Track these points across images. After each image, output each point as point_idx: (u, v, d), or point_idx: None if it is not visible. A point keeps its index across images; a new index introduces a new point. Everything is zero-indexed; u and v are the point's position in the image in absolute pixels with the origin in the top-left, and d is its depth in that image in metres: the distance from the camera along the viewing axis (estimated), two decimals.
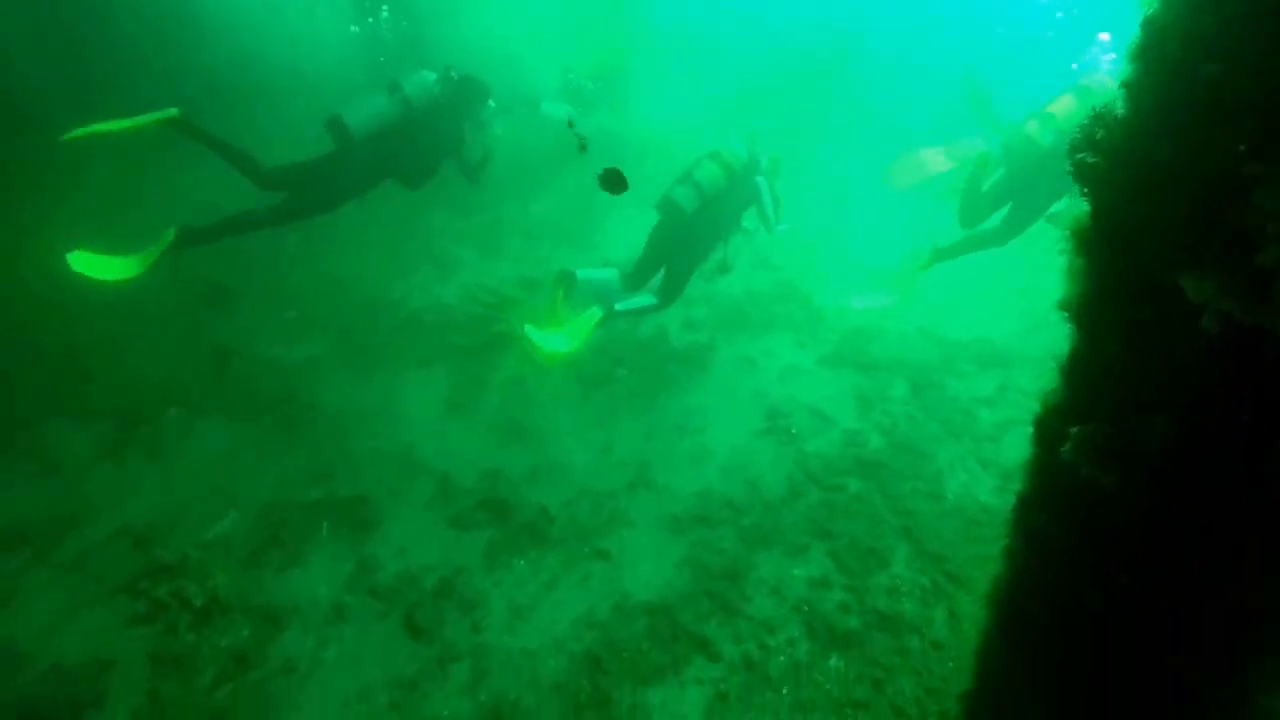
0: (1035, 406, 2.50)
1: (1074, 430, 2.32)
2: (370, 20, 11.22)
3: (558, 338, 7.23)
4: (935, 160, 9.12)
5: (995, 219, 8.38)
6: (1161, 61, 1.75)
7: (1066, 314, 2.25)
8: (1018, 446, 7.33)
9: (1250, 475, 1.98)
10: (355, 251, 9.76)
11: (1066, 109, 7.74)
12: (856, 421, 8.09)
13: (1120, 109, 1.88)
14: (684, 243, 7.87)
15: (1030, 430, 2.54)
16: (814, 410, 8.21)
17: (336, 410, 7.61)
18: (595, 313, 7.51)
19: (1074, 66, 8.87)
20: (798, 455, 7.55)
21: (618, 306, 7.80)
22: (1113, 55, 8.60)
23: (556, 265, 8.68)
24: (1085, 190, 1.99)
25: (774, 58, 16.21)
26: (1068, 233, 2.10)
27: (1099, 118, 1.92)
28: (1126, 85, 1.85)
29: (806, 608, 5.92)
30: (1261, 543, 2.03)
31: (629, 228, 10.31)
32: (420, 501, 6.71)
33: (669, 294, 8.01)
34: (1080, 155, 1.94)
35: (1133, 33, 1.77)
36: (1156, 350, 2.01)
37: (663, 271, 8.03)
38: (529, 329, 7.17)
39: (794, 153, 9.93)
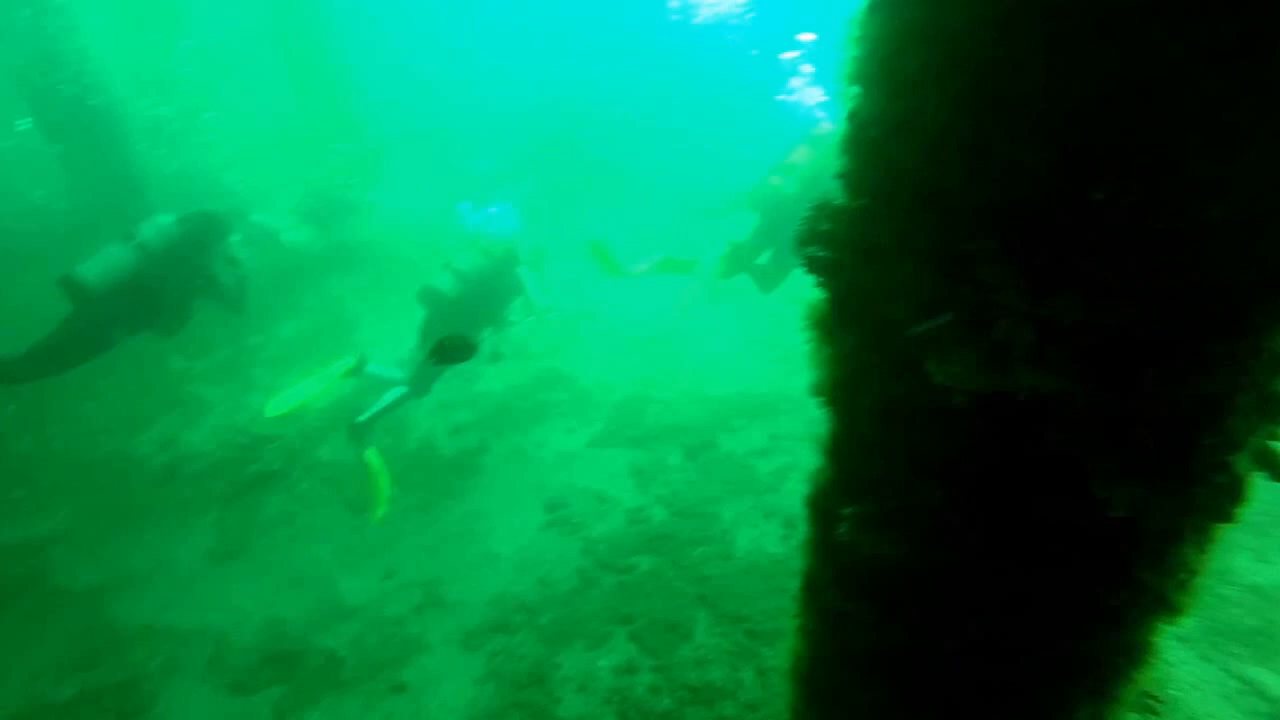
0: (807, 450, 2.48)
1: (846, 511, 2.31)
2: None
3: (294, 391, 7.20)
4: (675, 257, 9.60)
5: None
6: (868, 151, 1.75)
7: (820, 398, 2.23)
8: (796, 492, 7.60)
9: (1022, 526, 2.01)
10: (88, 409, 8.77)
11: (804, 158, 8.39)
12: (637, 498, 8.05)
13: (839, 199, 1.87)
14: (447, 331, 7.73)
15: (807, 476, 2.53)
16: (594, 494, 8.08)
17: (90, 587, 6.77)
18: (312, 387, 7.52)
19: (780, 98, 9.70)
20: (584, 543, 7.37)
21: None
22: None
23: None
24: (819, 281, 1.96)
25: (531, 128, 16.54)
26: (809, 322, 2.06)
27: (821, 210, 1.91)
28: (843, 176, 1.84)
29: (618, 697, 5.75)
30: (1047, 591, 2.08)
31: (388, 333, 9.92)
32: (195, 671, 5.99)
33: (422, 383, 7.87)
34: (809, 249, 1.91)
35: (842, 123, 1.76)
36: (914, 425, 2.01)
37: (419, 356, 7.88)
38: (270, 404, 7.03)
39: (553, 226, 10.06)
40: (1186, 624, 6.68)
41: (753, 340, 10.89)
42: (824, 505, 2.50)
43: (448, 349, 5.79)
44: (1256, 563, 7.26)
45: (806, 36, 10.06)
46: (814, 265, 1.92)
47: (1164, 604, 2.02)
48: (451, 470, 8.66)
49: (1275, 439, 1.69)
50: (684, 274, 9.69)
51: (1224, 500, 1.75)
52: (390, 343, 8.92)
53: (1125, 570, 1.96)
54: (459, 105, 17.56)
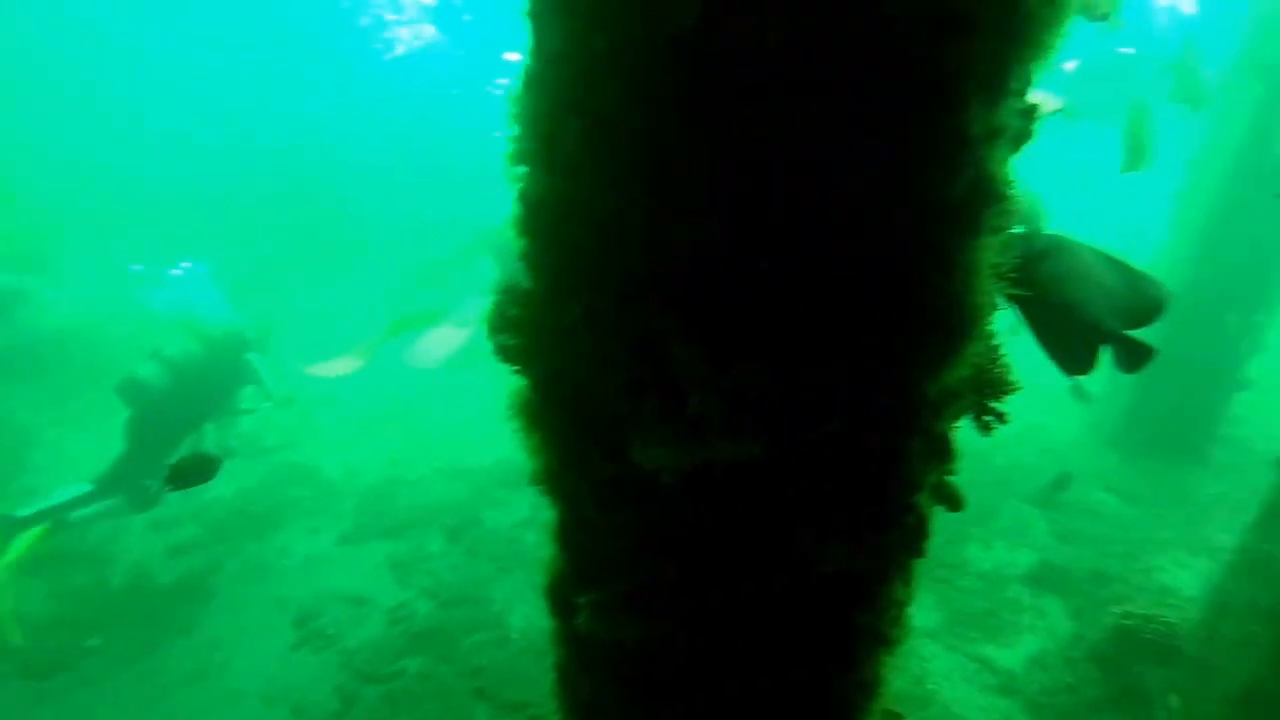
0: None
1: (583, 600, 2.21)
2: None
3: None
4: (451, 335, 9.16)
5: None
6: (544, 233, 1.69)
7: (539, 486, 2.13)
8: None
9: (749, 592, 2.01)
10: None
11: None
12: (398, 594, 7.53)
13: (524, 281, 1.79)
14: (158, 428, 6.69)
15: None
16: (349, 598, 7.44)
17: None
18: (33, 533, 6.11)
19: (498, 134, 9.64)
20: (342, 656, 6.72)
21: (70, 516, 6.49)
22: None
23: None
24: (515, 369, 1.86)
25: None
26: (513, 410, 1.96)
27: (509, 294, 1.81)
28: (524, 258, 1.76)
29: None
30: (781, 648, 2.08)
31: (81, 444, 8.58)
32: None
33: (139, 499, 6.77)
34: (500, 337, 1.80)
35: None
36: (632, 506, 1.95)
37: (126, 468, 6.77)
38: None
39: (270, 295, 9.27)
40: (935, 619, 7.32)
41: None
42: (561, 594, 2.38)
43: (186, 470, 4.91)
44: (983, 550, 8.15)
45: (512, 56, 10.05)
46: (507, 354, 1.82)
47: (883, 640, 2.10)
48: (174, 600, 7.55)
49: (947, 475, 1.81)
50: (426, 328, 9.20)
51: (915, 539, 1.84)
52: (84, 459, 7.68)
53: (846, 617, 2.01)
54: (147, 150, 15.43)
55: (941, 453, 1.74)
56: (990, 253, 1.52)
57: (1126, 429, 9.79)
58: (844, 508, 1.75)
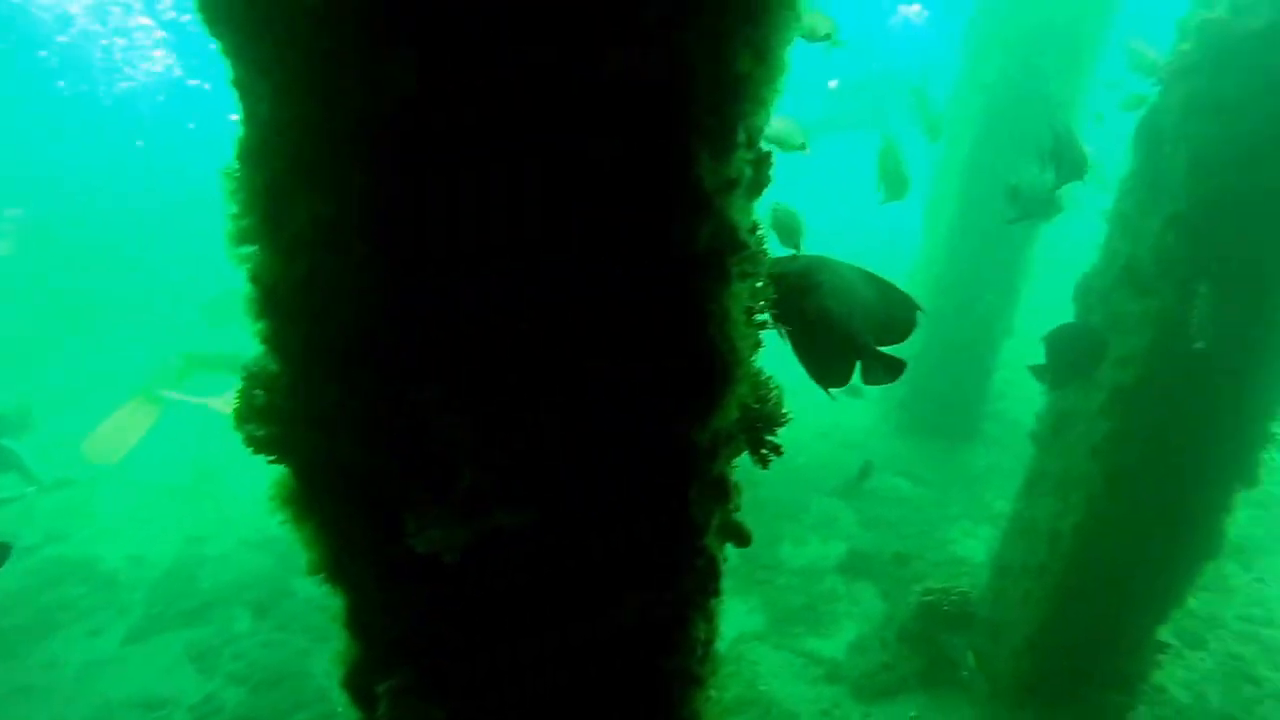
0: None
1: (381, 688, 2.08)
2: None
3: None
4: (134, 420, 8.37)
5: None
6: (285, 313, 1.56)
7: (319, 576, 1.97)
8: None
9: (556, 656, 1.95)
10: None
11: None
12: (203, 685, 6.84)
13: (270, 364, 1.64)
14: None
15: None
16: (141, 703, 6.66)
17: None
18: None
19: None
20: None
21: None
22: None
23: None
24: (271, 459, 1.71)
25: None
26: (279, 501, 1.80)
27: (254, 378, 1.66)
28: (265, 340, 1.62)
29: None
30: (601, 705, 2.04)
31: None
32: None
33: None
34: (248, 427, 1.65)
35: None
36: (420, 586, 1.84)
37: None
38: None
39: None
40: (760, 620, 7.55)
41: None
42: (359, 684, 2.22)
43: None
44: (797, 547, 8.53)
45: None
46: (260, 445, 1.66)
47: (693, 680, 2.10)
48: None
49: (731, 513, 1.84)
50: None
51: (709, 580, 1.86)
52: None
53: (654, 665, 2.00)
54: None
55: (722, 494, 1.76)
56: (742, 299, 1.55)
57: (909, 416, 10.66)
58: (634, 560, 1.74)
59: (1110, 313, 4.64)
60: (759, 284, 1.65)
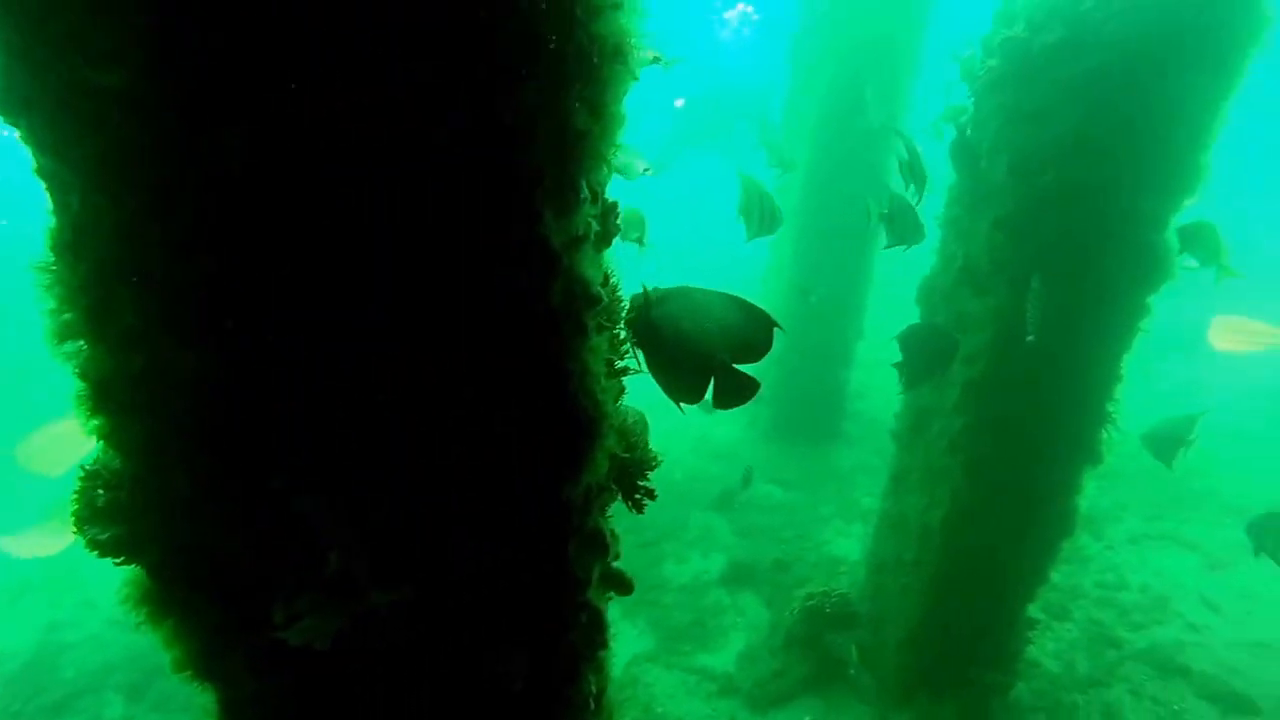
0: None
1: None
2: None
3: None
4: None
5: None
6: (116, 406, 1.47)
7: (184, 675, 1.85)
8: None
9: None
10: None
11: None
12: None
13: (112, 461, 1.54)
14: None
15: None
16: None
17: None
18: None
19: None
20: None
21: None
22: None
23: None
24: (119, 561, 1.60)
25: None
26: (134, 601, 1.69)
27: (93, 477, 1.55)
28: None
29: None
30: None
31: None
32: None
33: None
34: (91, 530, 1.54)
35: None
36: (299, 666, 1.76)
37: None
38: None
39: None
40: (649, 641, 7.53)
41: None
42: None
43: None
44: (679, 565, 8.60)
45: None
46: (106, 548, 1.55)
47: None
48: None
49: (611, 563, 1.85)
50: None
51: (595, 632, 1.85)
52: None
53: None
54: None
55: (600, 547, 1.77)
56: (601, 352, 1.57)
57: (775, 422, 10.97)
58: (517, 624, 1.72)
59: (954, 312, 4.96)
60: (617, 334, 1.67)
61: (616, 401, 1.67)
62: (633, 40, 1.32)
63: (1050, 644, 7.06)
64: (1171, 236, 4.43)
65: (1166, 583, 8.14)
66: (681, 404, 1.98)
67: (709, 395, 2.04)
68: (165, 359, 1.36)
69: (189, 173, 1.23)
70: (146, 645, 7.57)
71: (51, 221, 1.35)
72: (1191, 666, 6.92)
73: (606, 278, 1.62)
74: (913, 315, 5.44)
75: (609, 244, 1.65)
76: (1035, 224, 4.30)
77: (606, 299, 1.53)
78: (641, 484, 1.85)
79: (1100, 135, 4.02)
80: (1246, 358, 11.34)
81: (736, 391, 1.99)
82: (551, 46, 1.24)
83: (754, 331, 2.09)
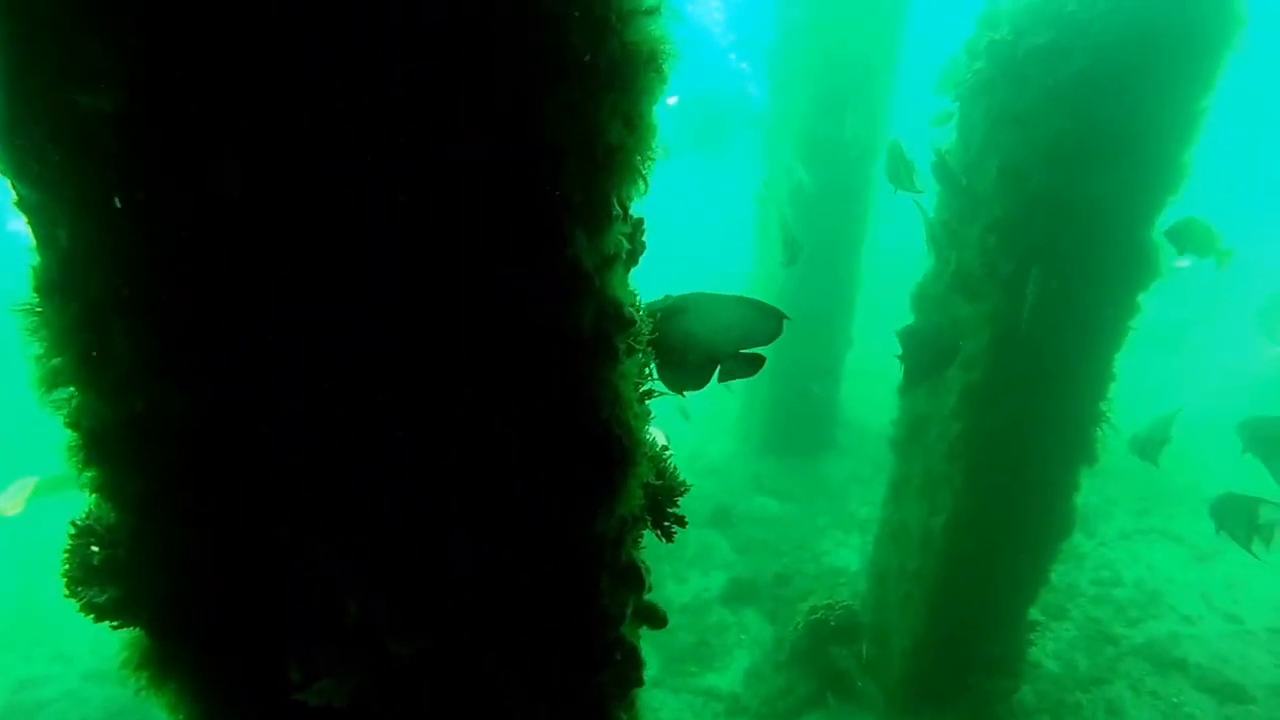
0: None
1: None
2: None
3: None
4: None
5: None
6: (113, 457, 1.35)
7: None
8: None
9: None
10: None
11: None
12: None
13: (106, 515, 1.43)
14: None
15: None
16: None
17: None
18: None
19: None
20: None
21: None
22: None
23: None
24: (116, 624, 1.48)
25: None
26: (130, 668, 1.56)
27: (86, 534, 1.43)
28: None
29: None
30: None
31: None
32: None
33: None
34: (86, 592, 1.42)
35: None
36: None
37: None
38: None
39: None
40: (654, 665, 7.38)
41: None
42: None
43: None
44: (679, 585, 8.47)
45: None
46: (105, 610, 1.43)
47: None
48: None
49: (642, 596, 1.75)
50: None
51: (630, 669, 1.75)
52: None
53: None
54: None
55: (634, 580, 1.67)
56: (632, 376, 1.48)
57: (767, 436, 10.90)
58: (547, 667, 1.61)
59: (948, 317, 4.92)
60: (645, 357, 1.58)
61: (646, 426, 1.58)
62: (666, 47, 1.24)
63: (1050, 644, 7.02)
64: (1159, 235, 4.43)
65: (1158, 577, 8.16)
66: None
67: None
68: (165, 403, 1.25)
69: (186, 194, 1.12)
70: (129, 700, 7.31)
71: (35, 260, 1.24)
72: (1188, 659, 6.93)
73: (634, 297, 1.53)
74: (904, 321, 5.40)
75: (637, 262, 1.56)
76: (1026, 226, 4.27)
77: (639, 321, 1.44)
78: (671, 511, 1.76)
79: (1087, 136, 4.01)
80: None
81: (745, 367, 1.97)
82: (584, 57, 1.15)
83: (760, 320, 2.08)
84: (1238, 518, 5.34)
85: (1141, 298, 4.56)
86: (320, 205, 1.15)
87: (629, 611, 1.69)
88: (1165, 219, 4.40)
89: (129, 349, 1.20)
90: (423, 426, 1.33)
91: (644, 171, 1.36)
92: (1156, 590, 7.90)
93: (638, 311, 1.49)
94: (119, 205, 1.12)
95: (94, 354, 1.21)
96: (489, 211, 1.20)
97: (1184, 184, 4.23)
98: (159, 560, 1.43)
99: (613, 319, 1.37)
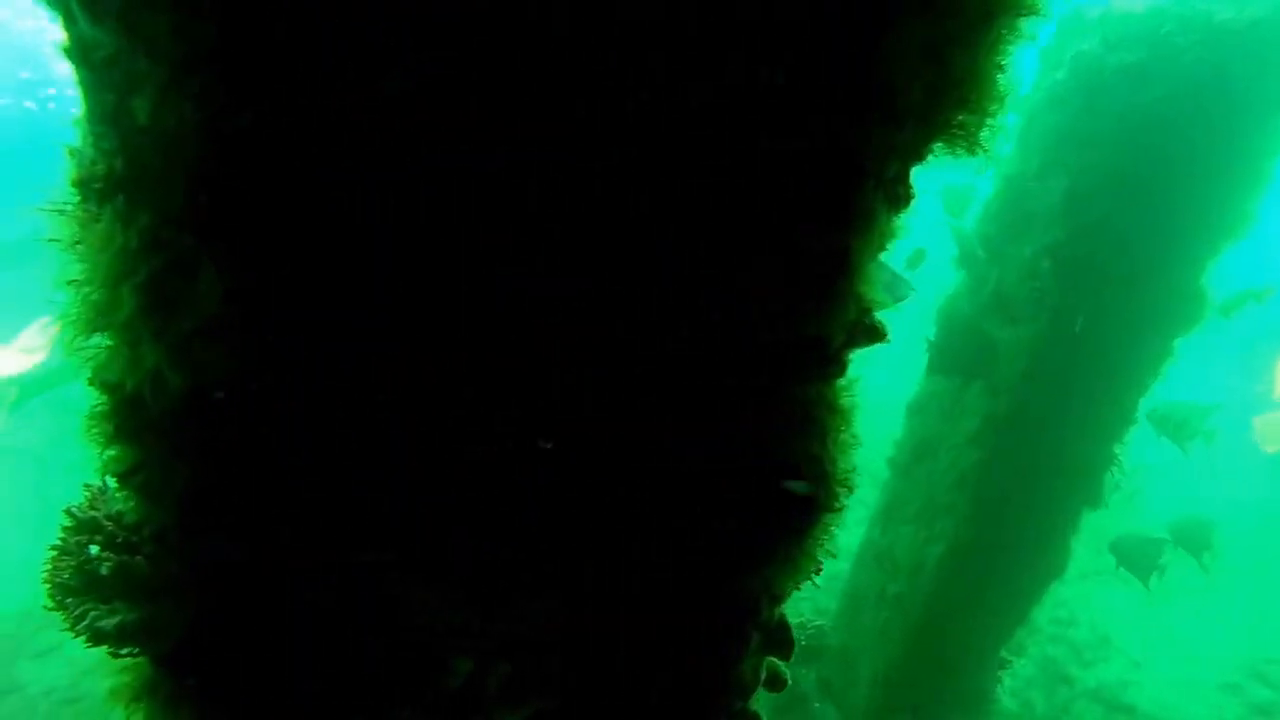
0: None
1: None
2: None
3: None
4: None
5: None
6: (152, 434, 0.96)
7: None
8: None
9: None
10: None
11: None
12: None
13: (130, 509, 1.03)
14: None
15: None
16: None
17: None
18: None
19: None
20: None
21: None
22: None
23: None
24: (130, 653, 1.08)
25: None
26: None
27: (90, 529, 1.04)
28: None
29: None
30: None
31: None
32: None
33: None
34: (91, 610, 1.03)
35: None
36: None
37: None
38: None
39: None
40: None
41: None
42: None
43: None
44: None
45: None
46: (111, 638, 1.03)
47: None
48: None
49: (779, 660, 1.41)
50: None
51: None
52: None
53: None
54: None
55: (784, 643, 1.33)
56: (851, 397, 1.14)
57: None
58: None
59: (980, 339, 4.60)
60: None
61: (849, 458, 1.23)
62: None
63: (1008, 680, 6.93)
64: (1208, 281, 4.24)
65: (1110, 619, 8.16)
66: None
67: None
68: (260, 372, 0.86)
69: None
70: None
71: (83, 138, 0.84)
72: (1135, 705, 6.93)
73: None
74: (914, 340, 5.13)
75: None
76: (1086, 254, 4.01)
77: (887, 334, 1.10)
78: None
79: (1158, 168, 3.78)
80: None
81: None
82: None
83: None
84: (1138, 555, 5.65)
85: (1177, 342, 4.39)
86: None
87: (763, 677, 1.36)
88: (1220, 263, 4.21)
89: (220, 288, 0.81)
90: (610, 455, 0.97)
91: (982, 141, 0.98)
92: (1107, 634, 7.90)
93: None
94: (247, 72, 0.73)
95: (164, 290, 0.82)
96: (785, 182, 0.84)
97: (1246, 231, 4.05)
98: (197, 578, 1.04)
99: (865, 329, 1.03)
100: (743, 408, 1.04)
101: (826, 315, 0.97)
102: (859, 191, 0.87)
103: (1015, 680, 6.96)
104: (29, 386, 6.94)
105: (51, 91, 9.03)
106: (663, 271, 0.87)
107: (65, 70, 0.92)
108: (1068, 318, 3.99)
